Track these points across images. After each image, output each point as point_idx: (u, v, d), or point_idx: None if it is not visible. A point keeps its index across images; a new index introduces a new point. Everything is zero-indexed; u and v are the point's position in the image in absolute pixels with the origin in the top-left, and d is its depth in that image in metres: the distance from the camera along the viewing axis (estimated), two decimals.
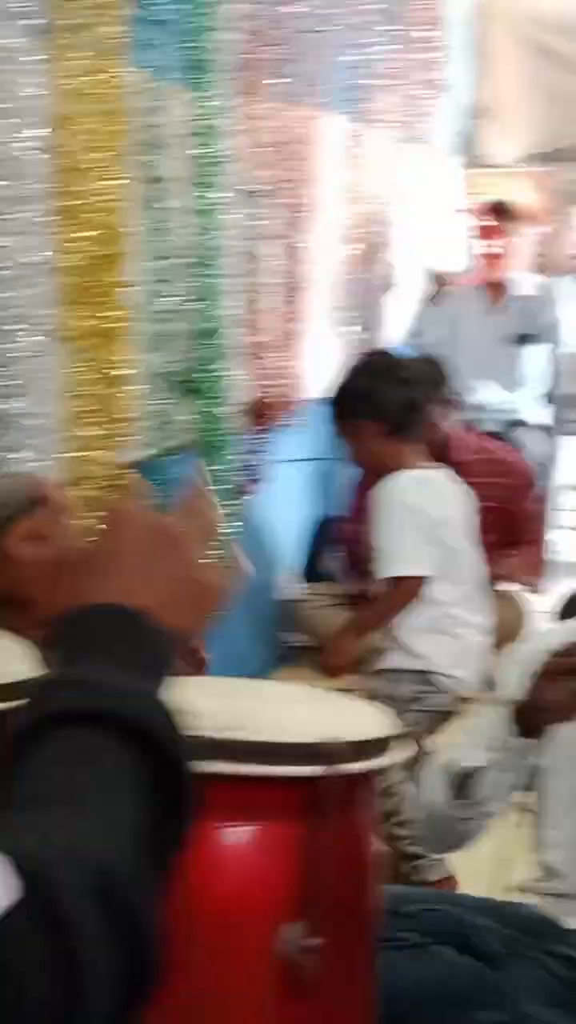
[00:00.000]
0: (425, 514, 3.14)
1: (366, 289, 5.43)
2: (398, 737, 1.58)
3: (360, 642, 3.13)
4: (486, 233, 5.54)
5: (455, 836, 2.28)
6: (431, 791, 2.23)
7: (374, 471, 3.25)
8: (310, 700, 1.74)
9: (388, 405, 3.15)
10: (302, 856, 1.46)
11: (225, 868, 1.48)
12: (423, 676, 3.17)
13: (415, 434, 3.18)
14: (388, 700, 2.93)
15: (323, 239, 4.86)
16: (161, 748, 0.84)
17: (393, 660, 3.10)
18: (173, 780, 0.85)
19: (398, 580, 3.07)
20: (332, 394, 3.42)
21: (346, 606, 4.58)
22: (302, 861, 1.46)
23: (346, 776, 1.48)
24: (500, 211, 5.57)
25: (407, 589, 3.07)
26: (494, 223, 5.53)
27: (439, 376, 4.30)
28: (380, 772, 1.60)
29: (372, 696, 2.98)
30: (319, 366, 4.82)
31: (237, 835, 1.50)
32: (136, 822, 0.82)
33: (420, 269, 5.70)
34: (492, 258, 5.49)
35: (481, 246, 5.55)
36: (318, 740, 1.46)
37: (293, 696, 1.78)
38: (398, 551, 3.09)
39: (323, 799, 1.45)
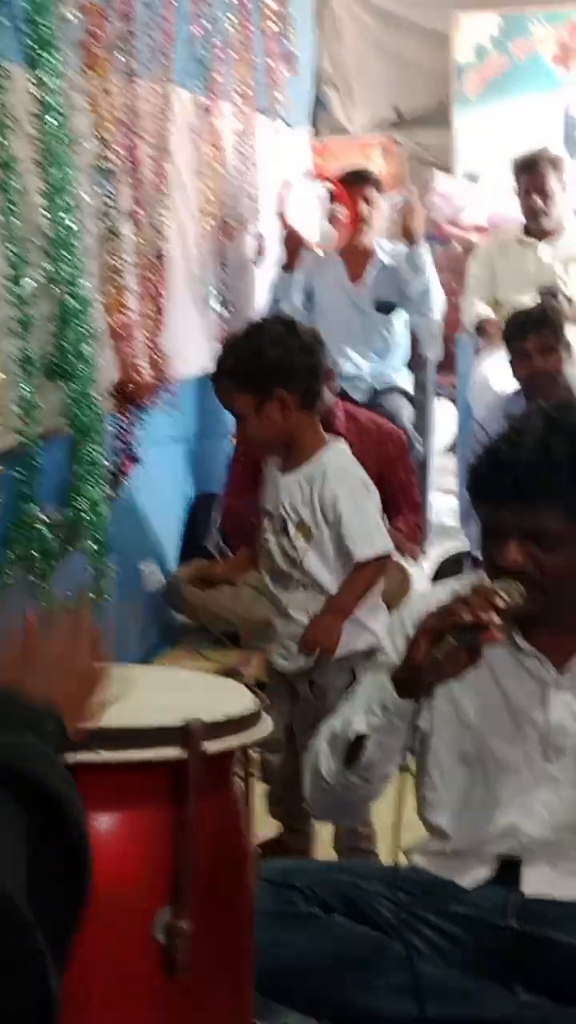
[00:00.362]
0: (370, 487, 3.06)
1: (230, 263, 5.40)
2: (260, 714, 1.57)
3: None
4: (341, 201, 5.53)
5: (346, 805, 2.29)
6: (319, 761, 2.24)
7: (280, 446, 2.98)
8: (172, 683, 1.73)
9: (300, 373, 2.93)
10: (171, 839, 1.45)
11: (95, 856, 1.46)
12: (371, 654, 3.12)
13: (318, 403, 3.03)
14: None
15: (182, 214, 4.83)
16: (45, 795, 0.84)
17: (350, 641, 2.99)
18: (60, 824, 0.85)
19: (375, 558, 2.97)
20: (229, 366, 3.14)
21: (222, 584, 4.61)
22: (171, 844, 1.45)
23: (210, 756, 1.46)
24: (355, 178, 5.56)
25: (380, 566, 2.99)
26: (350, 190, 5.51)
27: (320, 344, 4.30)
28: (246, 750, 1.59)
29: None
30: (187, 344, 4.80)
31: (105, 822, 1.48)
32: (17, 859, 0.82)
33: (278, 239, 5.67)
34: (349, 226, 5.47)
35: (337, 214, 5.53)
36: (178, 722, 1.44)
37: (155, 680, 1.77)
38: (374, 528, 2.98)
39: (188, 781, 1.44)
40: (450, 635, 2.00)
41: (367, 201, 5.51)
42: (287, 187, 5.54)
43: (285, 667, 3.01)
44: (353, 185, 5.51)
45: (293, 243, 5.44)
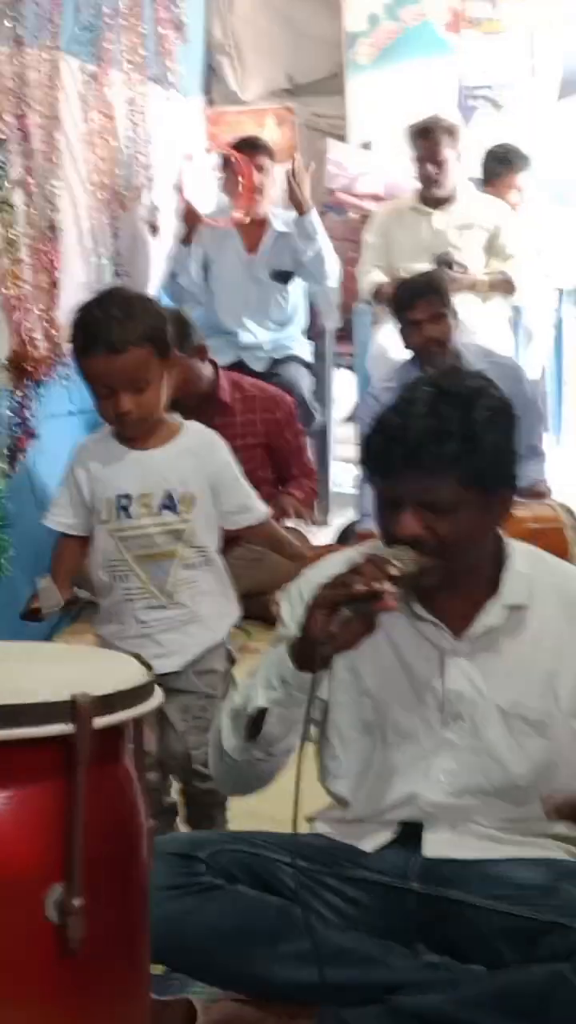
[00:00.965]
0: None
1: (124, 235, 5.34)
2: (151, 686, 1.55)
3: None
4: (237, 170, 5.48)
5: (252, 779, 2.28)
6: (222, 737, 2.23)
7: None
8: (61, 658, 1.71)
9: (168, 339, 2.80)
10: (61, 816, 1.44)
11: None
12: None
13: None
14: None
15: (74, 185, 4.76)
16: None
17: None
18: None
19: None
20: (144, 328, 2.75)
21: None
22: (61, 821, 1.43)
23: (99, 731, 1.45)
24: (247, 147, 5.52)
25: None
26: (245, 160, 5.47)
27: (184, 327, 4.27)
28: (137, 723, 1.57)
29: None
30: None
31: None
32: None
33: (174, 210, 5.62)
34: (244, 195, 5.43)
35: (232, 184, 5.49)
36: (65, 697, 1.42)
37: (43, 655, 1.74)
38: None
39: (76, 756, 1.42)
40: (344, 606, 2.00)
41: (260, 170, 5.48)
42: (184, 161, 5.48)
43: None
44: (246, 154, 5.47)
45: (191, 218, 5.39)
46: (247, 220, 5.51)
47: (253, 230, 5.55)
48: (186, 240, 5.42)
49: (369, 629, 2.04)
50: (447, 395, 2.13)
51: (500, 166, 6.27)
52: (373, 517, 4.92)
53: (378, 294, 5.77)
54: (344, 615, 2.00)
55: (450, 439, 2.09)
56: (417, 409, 2.11)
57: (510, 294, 5.75)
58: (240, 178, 5.45)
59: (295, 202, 5.42)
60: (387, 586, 2.01)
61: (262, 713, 2.13)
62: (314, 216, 5.50)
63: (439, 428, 2.09)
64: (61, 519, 2.92)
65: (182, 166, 5.44)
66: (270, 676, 2.12)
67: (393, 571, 2.03)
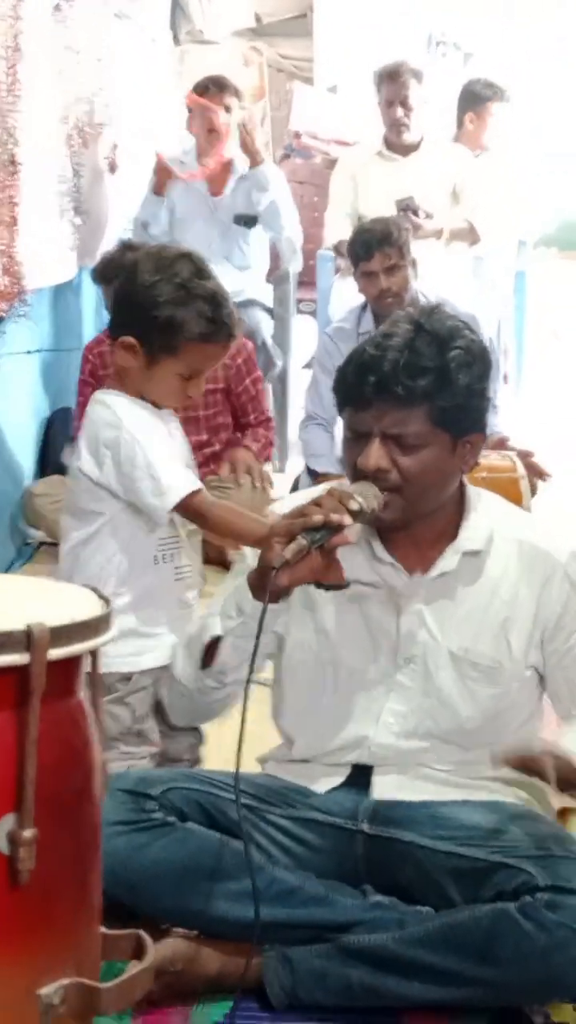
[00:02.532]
0: None
1: (86, 171, 5.28)
2: (107, 618, 1.55)
3: None
4: (204, 110, 5.41)
5: (203, 709, 2.29)
6: (176, 664, 2.22)
7: None
8: (17, 589, 1.69)
9: None
10: (14, 747, 1.43)
11: None
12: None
13: None
14: None
15: (35, 119, 4.69)
16: None
17: None
18: None
19: None
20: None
21: None
22: (14, 752, 1.43)
23: (54, 662, 1.44)
24: (217, 86, 5.45)
25: None
26: (209, 99, 5.40)
27: None
28: (93, 655, 1.56)
29: None
30: (42, 253, 4.69)
31: None
32: None
33: (141, 151, 5.56)
34: (211, 135, 5.37)
35: (199, 126, 5.42)
36: (20, 627, 1.41)
37: None
38: None
39: (30, 687, 1.42)
40: (301, 536, 2.00)
41: (227, 110, 5.42)
42: (157, 113, 5.41)
43: None
44: (213, 93, 5.40)
45: (163, 173, 5.33)
46: (216, 170, 5.44)
47: (218, 173, 5.48)
48: (158, 191, 5.36)
49: (326, 564, 2.05)
50: (425, 332, 2.15)
51: (475, 100, 6.22)
52: (321, 458, 4.91)
53: (340, 246, 5.74)
54: (299, 543, 2.00)
55: (424, 374, 2.11)
56: (394, 343, 2.13)
57: (475, 242, 5.73)
58: (206, 117, 5.36)
59: (248, 153, 5.37)
60: (345, 519, 2.01)
61: (217, 641, 2.13)
62: (268, 167, 5.45)
63: (415, 362, 2.11)
64: (194, 479, 2.59)
65: (150, 105, 5.36)
66: (227, 606, 2.14)
67: (353, 505, 2.05)
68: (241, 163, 5.51)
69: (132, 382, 2.55)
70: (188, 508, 2.52)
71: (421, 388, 2.11)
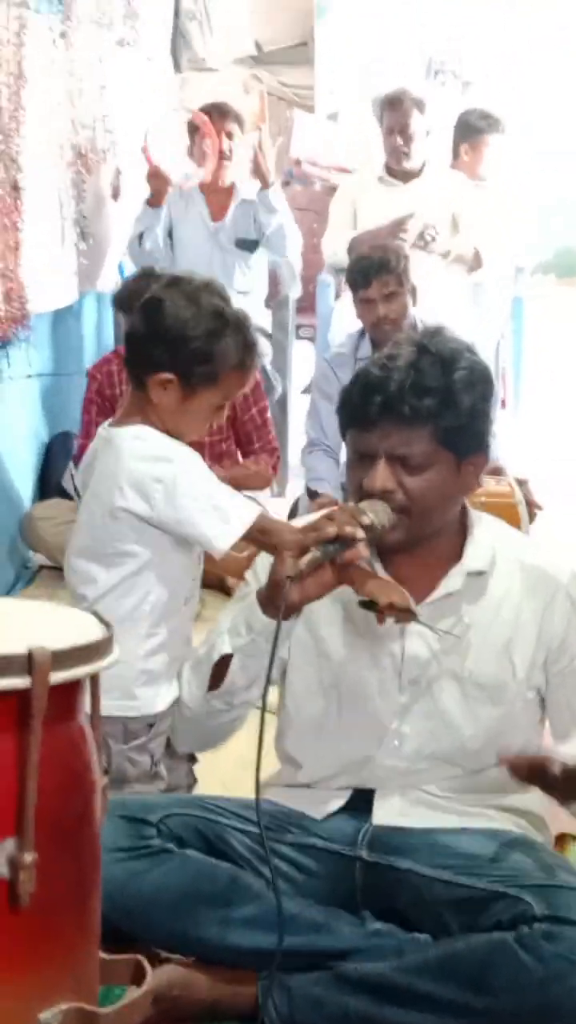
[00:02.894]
0: None
1: (88, 196, 5.30)
2: (109, 642, 1.55)
3: None
4: (204, 136, 5.44)
5: (209, 733, 2.28)
6: (182, 688, 2.21)
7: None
8: (18, 612, 1.70)
9: None
10: (15, 771, 1.43)
11: None
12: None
13: None
14: None
15: (39, 145, 4.71)
16: None
17: None
18: None
19: None
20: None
21: None
22: (15, 776, 1.43)
23: (56, 686, 1.44)
24: (216, 112, 5.48)
25: None
26: (213, 126, 5.43)
27: None
28: (94, 679, 1.57)
29: None
30: (44, 278, 4.70)
31: None
32: None
33: (141, 175, 5.58)
34: (212, 161, 5.39)
35: (200, 150, 5.45)
36: (22, 651, 1.42)
37: (1, 610, 1.73)
38: None
39: (31, 710, 1.42)
40: (314, 549, 2.01)
41: (229, 136, 5.45)
42: (153, 123, 5.43)
43: None
44: (215, 119, 5.43)
45: (158, 181, 5.35)
46: (212, 179, 5.46)
47: (219, 197, 5.51)
48: (154, 203, 5.38)
49: (338, 579, 2.05)
50: (429, 353, 2.17)
51: (470, 131, 6.25)
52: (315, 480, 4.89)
53: (338, 269, 5.75)
54: (313, 556, 2.01)
55: (429, 394, 2.12)
56: (399, 363, 2.15)
57: (476, 268, 5.74)
58: (207, 141, 5.39)
59: (259, 175, 5.40)
60: (358, 532, 2.03)
61: (226, 661, 2.13)
62: (277, 190, 5.48)
63: (420, 383, 2.13)
64: (248, 503, 2.49)
65: (150, 128, 5.37)
66: (237, 624, 2.14)
67: (365, 520, 2.06)
68: (242, 188, 5.54)
69: (163, 417, 2.49)
70: (258, 529, 2.40)
71: (427, 408, 2.12)
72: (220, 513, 2.40)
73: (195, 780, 2.67)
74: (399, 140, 5.68)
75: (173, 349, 2.45)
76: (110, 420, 2.58)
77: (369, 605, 2.12)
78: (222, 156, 5.40)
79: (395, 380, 2.12)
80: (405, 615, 2.13)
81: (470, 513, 2.28)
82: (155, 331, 2.47)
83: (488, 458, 2.26)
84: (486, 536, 2.26)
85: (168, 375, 2.45)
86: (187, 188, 5.40)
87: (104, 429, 2.54)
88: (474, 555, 2.24)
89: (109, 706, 2.37)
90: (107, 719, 2.39)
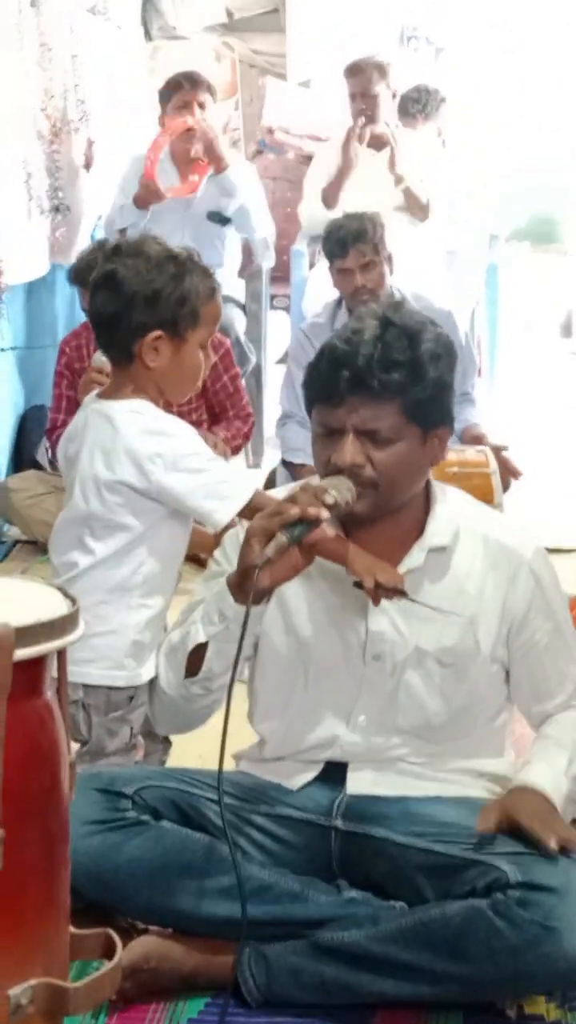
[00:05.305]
0: None
1: (61, 168, 5.26)
2: (74, 617, 1.54)
3: None
4: (178, 106, 5.39)
5: (188, 716, 2.28)
6: (159, 674, 2.21)
7: None
8: None
9: None
10: None
11: None
12: None
13: None
14: None
15: (11, 116, 4.67)
16: None
17: None
18: None
19: None
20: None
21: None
22: None
23: (20, 662, 1.44)
24: (191, 82, 5.42)
25: None
26: (183, 95, 5.37)
27: None
28: (60, 655, 1.56)
29: None
30: (17, 250, 4.67)
31: None
32: None
33: (114, 147, 5.53)
34: (186, 132, 5.34)
35: (175, 119, 5.39)
36: None
37: None
38: None
39: None
40: (280, 533, 2.00)
41: (201, 107, 5.39)
42: (160, 137, 5.34)
43: None
44: (186, 90, 5.38)
45: (153, 196, 5.30)
46: (183, 151, 5.40)
47: (191, 170, 5.44)
48: (141, 205, 5.32)
49: (307, 559, 2.05)
50: (394, 326, 2.15)
51: (413, 109, 6.22)
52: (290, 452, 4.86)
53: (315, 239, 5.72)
54: (279, 541, 2.00)
55: (397, 368, 2.12)
56: (365, 338, 2.13)
57: (423, 217, 5.66)
58: (180, 113, 5.32)
59: (212, 159, 5.35)
60: (322, 513, 2.02)
61: (201, 649, 2.13)
62: (234, 170, 5.42)
63: (387, 356, 2.12)
64: (248, 476, 2.59)
65: (154, 142, 5.29)
66: (210, 612, 2.13)
67: (328, 499, 2.05)
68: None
69: (159, 380, 2.52)
70: (254, 506, 2.45)
71: (395, 382, 2.11)
72: (218, 488, 2.45)
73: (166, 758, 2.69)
74: (362, 104, 5.64)
75: (150, 307, 2.48)
76: (97, 392, 2.60)
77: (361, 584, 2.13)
78: (191, 130, 5.33)
79: (363, 354, 2.11)
80: (392, 593, 2.12)
81: (433, 487, 2.27)
82: (125, 301, 2.49)
83: (452, 430, 2.24)
84: (449, 511, 2.26)
85: (156, 332, 2.48)
86: (176, 196, 5.34)
87: (95, 402, 2.56)
88: (435, 531, 2.23)
89: (96, 675, 2.45)
90: (90, 689, 2.45)
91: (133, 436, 2.46)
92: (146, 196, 5.28)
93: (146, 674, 2.47)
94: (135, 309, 2.48)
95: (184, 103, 5.34)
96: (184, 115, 5.32)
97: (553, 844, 2.01)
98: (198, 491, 2.45)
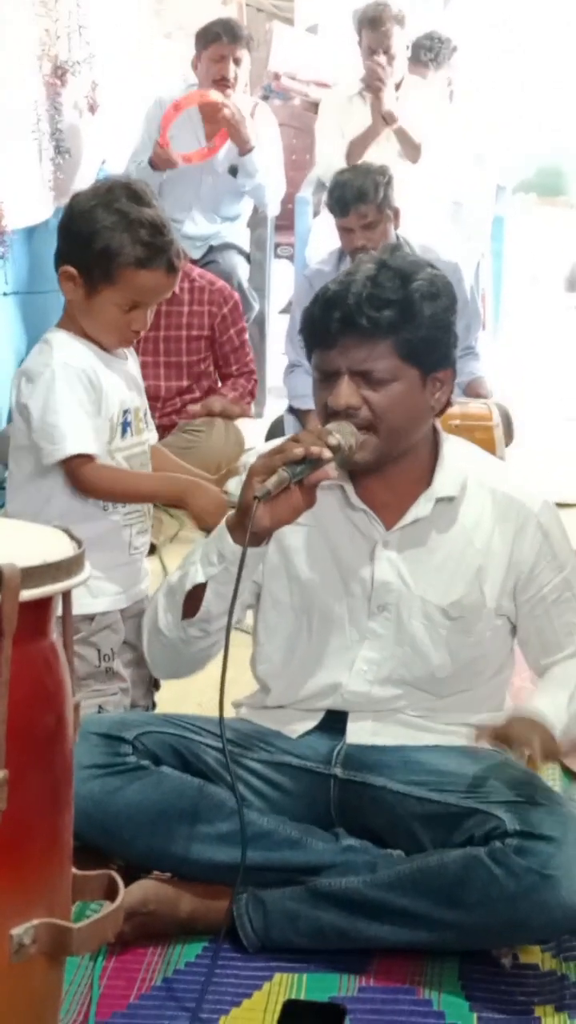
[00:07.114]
0: None
1: (64, 110, 5.21)
2: (80, 559, 1.54)
3: None
4: (214, 58, 5.28)
5: (186, 660, 2.28)
6: (158, 616, 2.21)
7: None
8: None
9: None
10: None
11: None
12: None
13: None
14: None
15: (13, 57, 4.63)
16: None
17: None
18: None
19: None
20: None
21: None
22: None
23: (26, 603, 1.43)
24: (230, 36, 5.24)
25: None
26: (223, 48, 5.26)
27: None
28: (66, 596, 1.56)
29: None
30: (20, 193, 4.64)
31: None
32: None
33: (119, 88, 5.48)
34: (211, 106, 5.27)
35: (205, 91, 5.29)
36: None
37: None
38: None
39: (1, 628, 1.41)
40: (282, 469, 1.99)
41: (237, 63, 5.31)
42: (174, 106, 5.28)
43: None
44: (225, 44, 5.28)
45: (167, 164, 5.25)
46: (211, 105, 5.34)
47: (217, 122, 5.37)
48: (157, 168, 5.28)
49: (308, 501, 2.03)
50: (388, 268, 2.14)
51: (425, 58, 6.14)
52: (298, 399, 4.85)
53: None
54: (280, 476, 1.98)
55: (388, 306, 2.10)
56: (357, 279, 2.12)
57: (415, 158, 5.60)
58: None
59: (237, 142, 5.29)
60: (325, 452, 2.01)
61: (200, 590, 2.12)
62: (255, 155, 5.37)
63: (377, 295, 2.11)
64: (91, 443, 2.54)
65: (167, 112, 5.24)
66: (209, 552, 2.12)
67: (332, 440, 2.04)
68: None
69: (76, 317, 2.57)
70: (69, 470, 2.53)
71: (386, 319, 2.10)
72: (52, 432, 2.50)
73: (154, 705, 2.71)
74: (382, 60, 5.54)
75: (72, 243, 2.54)
76: None
77: None
78: (226, 84, 5.26)
79: (353, 293, 2.10)
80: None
81: (441, 438, 2.26)
82: (65, 226, 2.59)
83: (455, 372, 2.23)
84: (458, 462, 2.25)
85: (71, 269, 2.54)
86: (198, 160, 5.30)
87: None
88: (443, 481, 2.22)
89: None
90: None
91: (30, 359, 2.58)
92: (161, 161, 5.24)
93: (100, 605, 2.56)
94: (66, 239, 2.57)
95: (220, 56, 5.27)
96: (219, 68, 5.25)
97: (537, 753, 2.02)
98: (38, 427, 2.51)
